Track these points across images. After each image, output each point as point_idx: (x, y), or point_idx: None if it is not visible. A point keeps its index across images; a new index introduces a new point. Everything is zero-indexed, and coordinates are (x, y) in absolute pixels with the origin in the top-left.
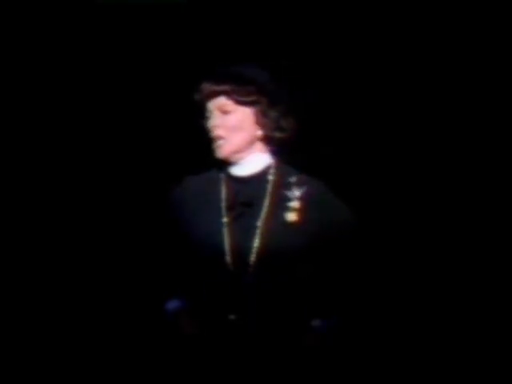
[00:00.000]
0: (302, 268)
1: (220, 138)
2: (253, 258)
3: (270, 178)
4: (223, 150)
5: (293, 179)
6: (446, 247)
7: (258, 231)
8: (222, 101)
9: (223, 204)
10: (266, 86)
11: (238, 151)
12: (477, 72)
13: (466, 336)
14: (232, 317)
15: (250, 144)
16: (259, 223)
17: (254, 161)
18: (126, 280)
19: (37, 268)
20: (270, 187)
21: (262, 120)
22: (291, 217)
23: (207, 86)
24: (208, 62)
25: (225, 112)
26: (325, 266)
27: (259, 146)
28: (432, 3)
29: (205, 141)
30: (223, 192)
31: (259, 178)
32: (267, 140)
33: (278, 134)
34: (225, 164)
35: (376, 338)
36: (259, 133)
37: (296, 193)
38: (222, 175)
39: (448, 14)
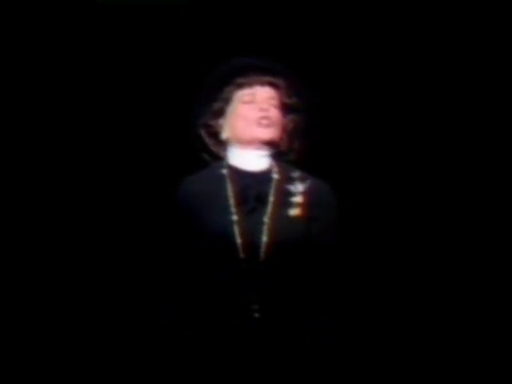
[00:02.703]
0: (305, 262)
1: (269, 119)
2: (262, 253)
3: (275, 176)
4: (268, 133)
5: (295, 174)
6: (445, 247)
7: (265, 227)
8: (271, 93)
9: (232, 200)
10: (309, 100)
11: (271, 143)
12: (477, 72)
13: (466, 335)
14: (256, 315)
15: (273, 144)
16: (266, 219)
17: (261, 158)
18: (136, 285)
19: (38, 268)
20: (274, 184)
21: (287, 131)
22: (294, 211)
23: (266, 73)
24: (208, 62)
25: (272, 104)
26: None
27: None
28: (432, 3)
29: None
30: (229, 188)
31: (265, 175)
32: (278, 152)
33: (289, 155)
34: (222, 159)
35: (373, 339)
36: (280, 142)
37: (299, 187)
38: (224, 171)
39: (448, 14)
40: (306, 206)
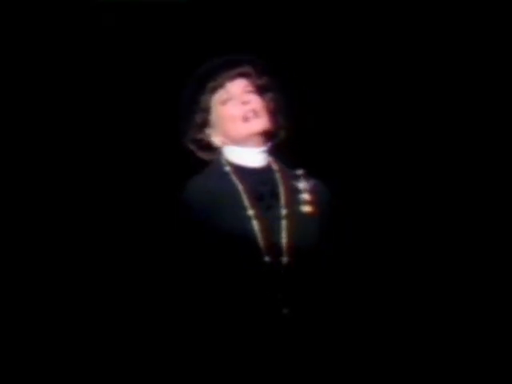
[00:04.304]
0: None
1: (255, 111)
2: (284, 249)
3: (276, 171)
4: (258, 124)
5: (299, 172)
6: (445, 248)
7: (283, 223)
8: (243, 83)
9: (245, 197)
10: (277, 77)
11: (264, 132)
12: (477, 72)
13: (466, 336)
14: (285, 311)
15: (267, 133)
16: (284, 213)
17: (260, 154)
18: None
19: (40, 269)
20: (280, 180)
21: (270, 110)
22: (306, 208)
23: (231, 69)
24: (208, 61)
25: (249, 92)
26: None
27: (265, 140)
28: (432, 3)
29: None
30: (239, 185)
31: (268, 171)
32: (269, 136)
33: (279, 132)
34: (219, 158)
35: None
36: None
37: (306, 185)
38: (227, 169)
39: (448, 14)
40: (315, 203)
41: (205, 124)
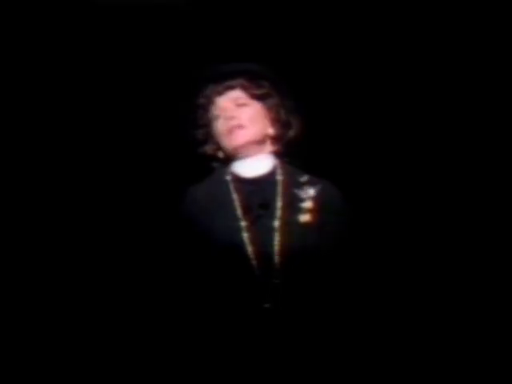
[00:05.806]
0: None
1: (239, 126)
2: (277, 259)
3: (279, 178)
4: (241, 136)
5: (304, 179)
6: (445, 248)
7: (277, 232)
8: (237, 94)
9: (238, 208)
10: (277, 81)
11: (253, 142)
12: (477, 72)
13: (466, 336)
14: (267, 305)
15: (262, 141)
16: (276, 224)
17: (261, 161)
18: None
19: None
20: (280, 187)
21: (273, 116)
22: (305, 218)
23: (221, 82)
24: (208, 62)
25: (240, 105)
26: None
27: (268, 146)
28: (432, 3)
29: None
30: (234, 195)
31: (268, 179)
32: (275, 140)
33: (287, 133)
34: (227, 166)
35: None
36: (270, 131)
37: (310, 192)
38: (228, 178)
39: (448, 14)
40: (317, 211)
41: (206, 139)
